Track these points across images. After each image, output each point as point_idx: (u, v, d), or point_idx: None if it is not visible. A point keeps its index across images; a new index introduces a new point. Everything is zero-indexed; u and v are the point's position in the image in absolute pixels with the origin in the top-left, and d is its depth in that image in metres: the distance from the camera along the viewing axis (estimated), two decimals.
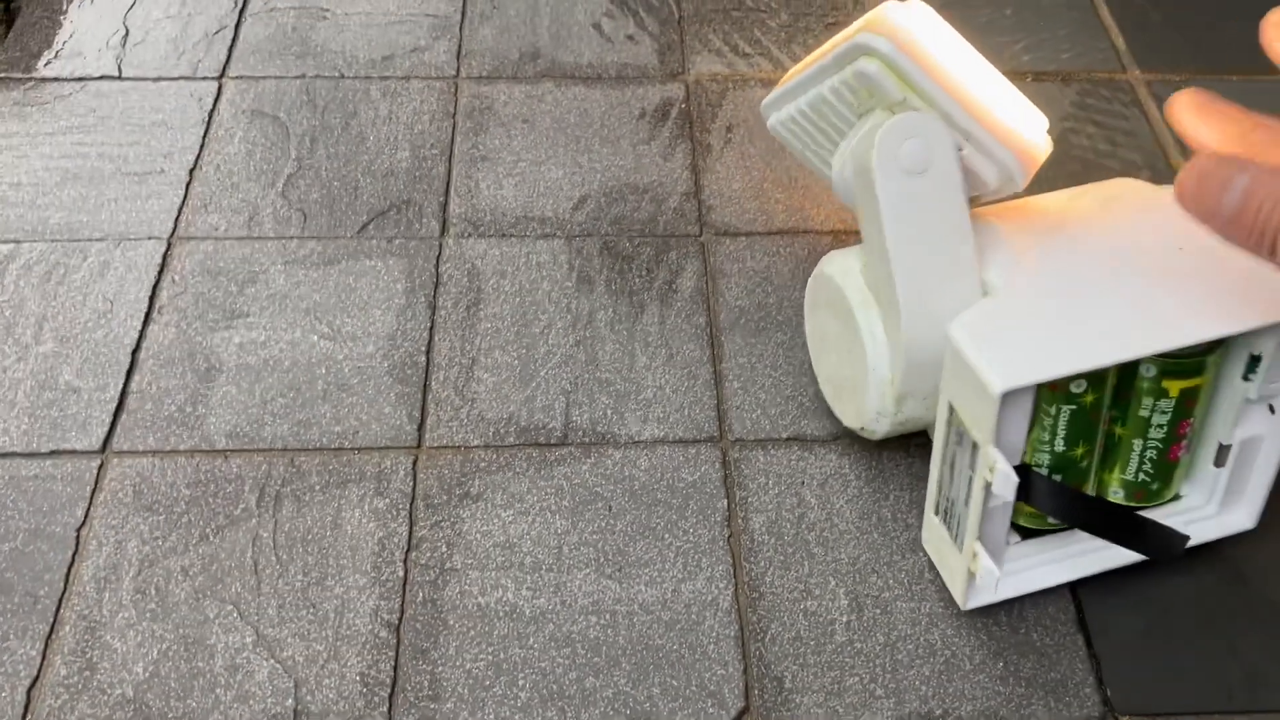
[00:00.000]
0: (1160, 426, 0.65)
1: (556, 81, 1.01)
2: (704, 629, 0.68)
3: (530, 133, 0.97)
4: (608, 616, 0.68)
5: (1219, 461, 0.68)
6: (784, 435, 0.77)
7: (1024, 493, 0.64)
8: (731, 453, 0.76)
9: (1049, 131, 0.70)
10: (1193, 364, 0.63)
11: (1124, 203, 0.69)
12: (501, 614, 0.68)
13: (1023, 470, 0.63)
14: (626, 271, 0.87)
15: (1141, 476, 0.67)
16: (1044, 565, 0.68)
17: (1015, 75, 1.02)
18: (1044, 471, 0.65)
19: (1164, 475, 0.67)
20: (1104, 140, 0.97)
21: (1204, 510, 0.70)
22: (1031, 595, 0.69)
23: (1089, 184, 0.73)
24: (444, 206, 0.91)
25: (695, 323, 0.84)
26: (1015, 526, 0.69)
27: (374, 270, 0.86)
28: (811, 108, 0.74)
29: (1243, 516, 0.69)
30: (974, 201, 0.70)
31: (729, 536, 0.72)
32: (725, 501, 0.74)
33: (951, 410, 0.63)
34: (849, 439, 0.77)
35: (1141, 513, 0.69)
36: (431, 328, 0.83)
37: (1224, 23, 1.06)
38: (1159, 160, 0.95)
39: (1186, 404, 0.64)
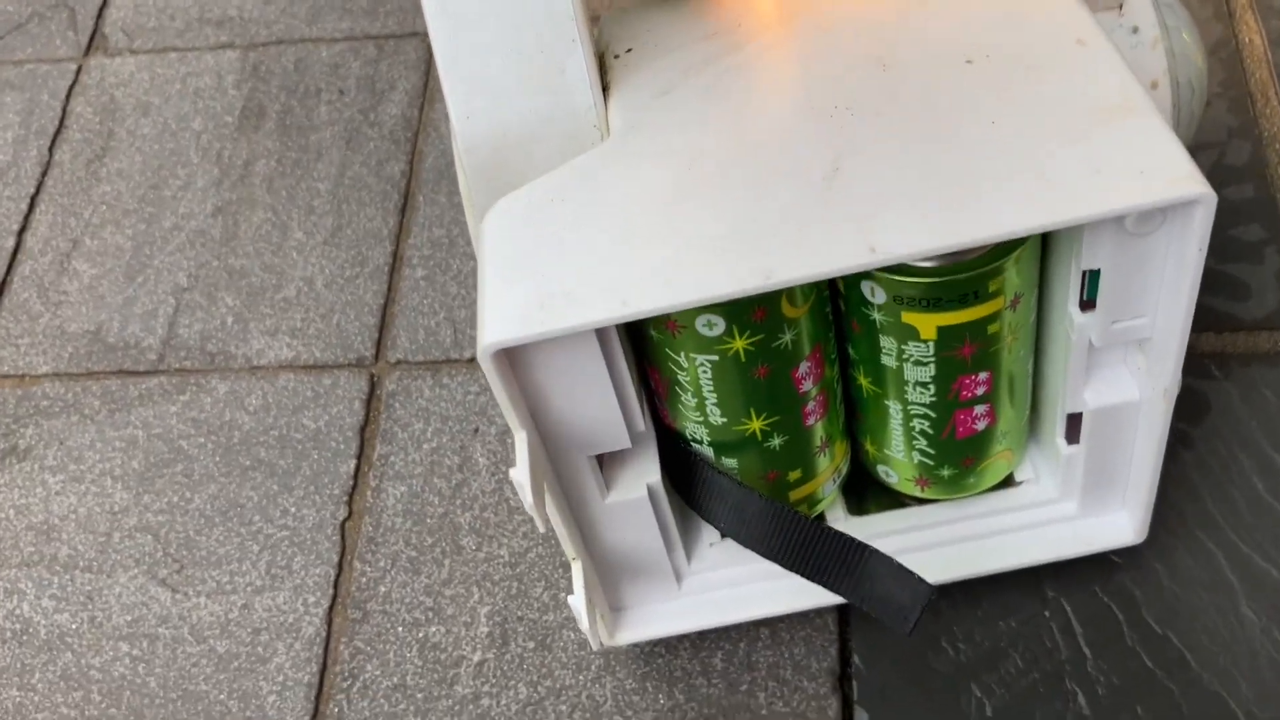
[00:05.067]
0: (923, 386, 0.36)
1: None
2: (269, 670, 0.46)
3: None
4: (144, 645, 0.47)
5: (1071, 437, 0.38)
6: (467, 353, 0.52)
7: (681, 483, 0.39)
8: (387, 382, 0.52)
9: None
10: (956, 284, 0.33)
11: None
12: (9, 635, 0.48)
13: (675, 447, 0.38)
14: (313, 97, 0.60)
15: (919, 457, 0.39)
16: (753, 583, 0.41)
17: None
18: (709, 454, 0.38)
19: (954, 457, 0.39)
20: None
21: (1059, 508, 0.41)
22: (770, 629, 0.44)
23: None
24: (102, 7, 0.66)
25: (388, 174, 0.57)
26: None
27: None
28: None
29: (1122, 523, 0.40)
30: None
31: (345, 520, 0.49)
32: (355, 462, 0.50)
33: None
34: None
35: (955, 500, 0.41)
36: (36, 194, 0.60)
37: None
38: None
39: (959, 350, 0.35)
